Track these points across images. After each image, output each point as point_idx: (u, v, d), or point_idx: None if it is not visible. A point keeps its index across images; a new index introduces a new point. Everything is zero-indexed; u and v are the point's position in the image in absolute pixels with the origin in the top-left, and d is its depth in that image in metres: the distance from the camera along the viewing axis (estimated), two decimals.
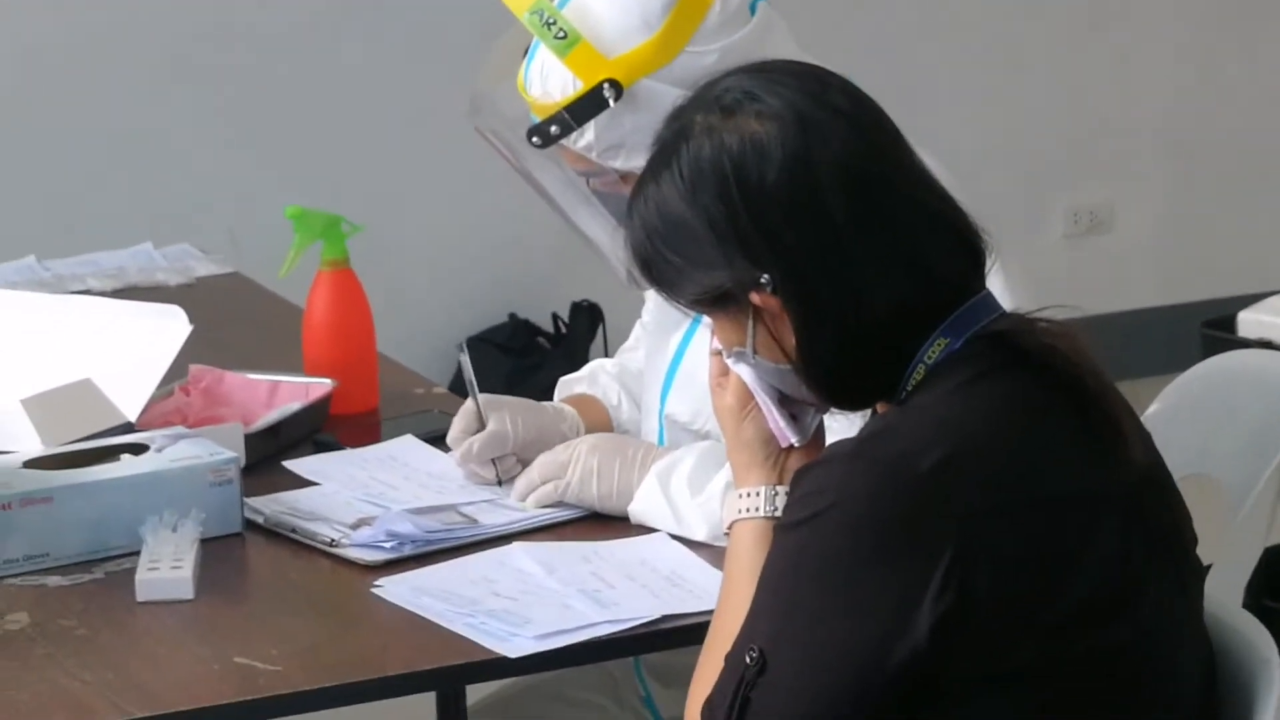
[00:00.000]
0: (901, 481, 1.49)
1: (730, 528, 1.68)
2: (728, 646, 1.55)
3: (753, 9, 2.11)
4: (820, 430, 1.68)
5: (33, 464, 2.05)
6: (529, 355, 4.64)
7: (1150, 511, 1.57)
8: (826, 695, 1.49)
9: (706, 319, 1.70)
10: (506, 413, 2.20)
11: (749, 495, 1.65)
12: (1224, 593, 1.95)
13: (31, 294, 2.70)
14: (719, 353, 1.67)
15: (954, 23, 5.02)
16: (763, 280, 1.55)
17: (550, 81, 2.06)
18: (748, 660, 1.51)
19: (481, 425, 2.19)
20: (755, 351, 1.61)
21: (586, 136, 2.04)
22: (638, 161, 1.77)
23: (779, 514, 1.59)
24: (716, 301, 1.61)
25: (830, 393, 1.62)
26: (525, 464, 2.18)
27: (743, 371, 1.64)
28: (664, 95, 1.94)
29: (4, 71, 4.23)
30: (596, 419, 2.33)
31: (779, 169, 1.55)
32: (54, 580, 1.93)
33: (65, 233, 3.71)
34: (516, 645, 1.77)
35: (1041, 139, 4.82)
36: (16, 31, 4.05)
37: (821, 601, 1.51)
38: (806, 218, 1.56)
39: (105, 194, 4.29)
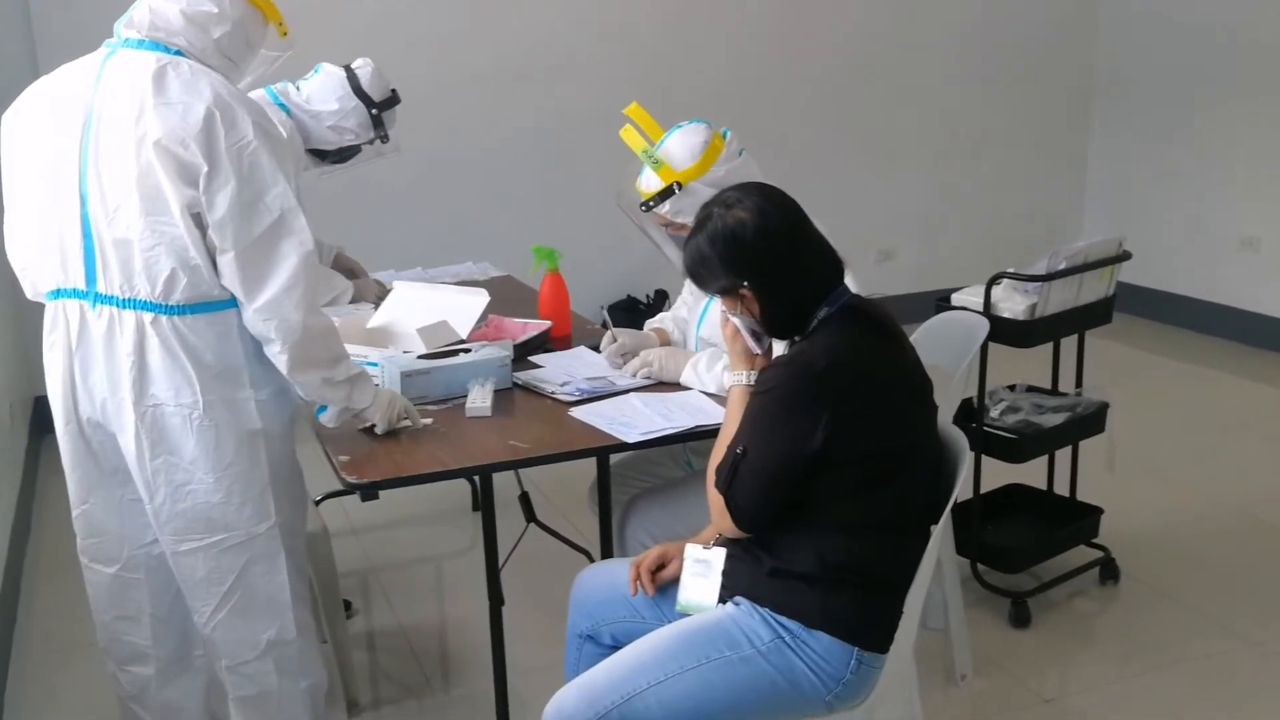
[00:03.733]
0: (806, 376, 1.58)
1: (729, 390, 1.74)
2: (727, 444, 1.65)
3: (740, 152, 2.19)
4: (771, 348, 1.74)
5: (422, 356, 2.24)
6: (637, 312, 4.76)
7: (917, 381, 1.69)
8: (773, 466, 1.59)
9: (719, 297, 1.71)
10: (625, 335, 2.35)
11: (738, 376, 1.73)
12: (945, 416, 2.13)
13: (419, 283, 2.76)
14: (724, 311, 1.72)
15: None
16: (745, 285, 1.64)
17: (650, 182, 2.16)
18: (738, 451, 1.61)
19: (614, 340, 2.33)
20: (740, 313, 1.68)
21: (666, 208, 2.15)
22: (689, 220, 1.83)
23: (752, 386, 1.68)
24: (723, 292, 1.68)
25: (775, 333, 1.71)
26: (635, 356, 2.29)
27: (735, 320, 1.70)
28: (702, 190, 2.07)
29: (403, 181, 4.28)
30: (665, 338, 2.45)
31: (751, 234, 1.62)
32: (431, 407, 2.13)
33: (437, 252, 3.75)
34: (633, 436, 1.95)
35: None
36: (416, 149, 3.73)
37: (772, 427, 1.60)
38: (764, 256, 1.63)
39: (455, 234, 4.41)
